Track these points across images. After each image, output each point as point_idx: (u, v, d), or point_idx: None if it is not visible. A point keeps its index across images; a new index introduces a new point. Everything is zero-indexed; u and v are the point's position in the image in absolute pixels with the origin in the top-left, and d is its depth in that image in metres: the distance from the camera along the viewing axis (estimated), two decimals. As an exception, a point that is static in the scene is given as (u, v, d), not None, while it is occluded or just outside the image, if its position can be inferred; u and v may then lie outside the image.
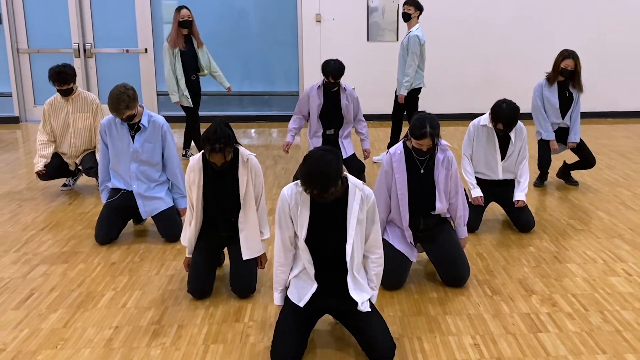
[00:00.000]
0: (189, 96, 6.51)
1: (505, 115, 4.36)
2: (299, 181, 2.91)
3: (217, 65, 6.79)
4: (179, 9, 6.38)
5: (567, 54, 5.49)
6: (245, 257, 3.58)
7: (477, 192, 4.64)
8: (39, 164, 5.32)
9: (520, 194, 4.62)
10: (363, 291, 2.99)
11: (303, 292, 2.99)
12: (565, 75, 5.52)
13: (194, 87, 6.60)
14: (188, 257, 3.67)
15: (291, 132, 5.69)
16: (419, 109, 6.56)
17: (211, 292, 3.64)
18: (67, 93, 5.29)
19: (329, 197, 2.80)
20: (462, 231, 3.86)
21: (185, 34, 6.41)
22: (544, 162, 5.69)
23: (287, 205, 2.95)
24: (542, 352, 3.03)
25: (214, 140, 3.27)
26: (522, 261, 4.12)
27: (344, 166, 3.02)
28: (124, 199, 4.45)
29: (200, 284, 3.59)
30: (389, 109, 6.86)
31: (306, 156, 2.83)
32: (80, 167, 5.56)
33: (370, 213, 2.99)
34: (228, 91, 6.97)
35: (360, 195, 2.93)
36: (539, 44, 9.00)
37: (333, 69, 5.37)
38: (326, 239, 2.94)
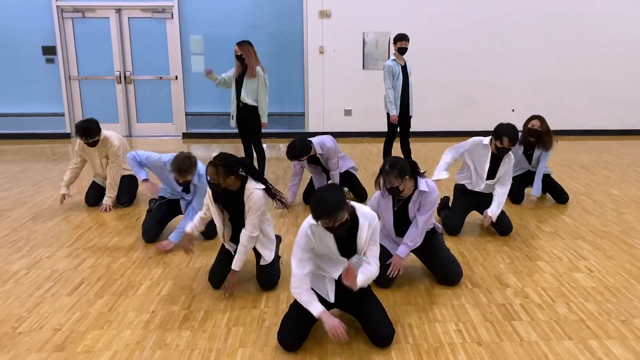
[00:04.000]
0: (233, 118, 6.06)
1: (509, 130, 4.29)
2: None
3: (264, 100, 5.89)
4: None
5: (534, 117, 5.23)
6: (264, 262, 3.56)
7: (439, 177, 4.43)
8: (61, 190, 5.20)
9: (492, 210, 4.36)
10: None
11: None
12: (533, 135, 5.20)
13: (241, 113, 5.96)
14: (186, 232, 3.61)
15: (291, 189, 5.38)
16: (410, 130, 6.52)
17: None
18: (93, 145, 5.13)
19: (339, 228, 2.68)
20: (402, 249, 3.51)
21: (241, 65, 5.88)
22: (516, 198, 5.42)
23: (311, 242, 2.81)
24: (517, 337, 3.00)
25: (214, 157, 3.31)
26: (498, 259, 4.10)
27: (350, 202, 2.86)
28: (172, 202, 4.56)
29: (219, 279, 3.55)
30: (380, 127, 6.83)
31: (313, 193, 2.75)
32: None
33: (372, 235, 2.88)
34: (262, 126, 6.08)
35: (367, 224, 2.84)
36: (508, 72, 9.05)
37: (293, 154, 5.00)
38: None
